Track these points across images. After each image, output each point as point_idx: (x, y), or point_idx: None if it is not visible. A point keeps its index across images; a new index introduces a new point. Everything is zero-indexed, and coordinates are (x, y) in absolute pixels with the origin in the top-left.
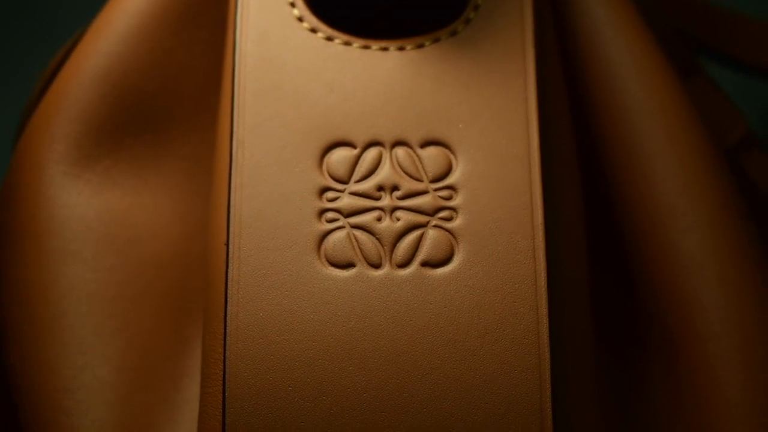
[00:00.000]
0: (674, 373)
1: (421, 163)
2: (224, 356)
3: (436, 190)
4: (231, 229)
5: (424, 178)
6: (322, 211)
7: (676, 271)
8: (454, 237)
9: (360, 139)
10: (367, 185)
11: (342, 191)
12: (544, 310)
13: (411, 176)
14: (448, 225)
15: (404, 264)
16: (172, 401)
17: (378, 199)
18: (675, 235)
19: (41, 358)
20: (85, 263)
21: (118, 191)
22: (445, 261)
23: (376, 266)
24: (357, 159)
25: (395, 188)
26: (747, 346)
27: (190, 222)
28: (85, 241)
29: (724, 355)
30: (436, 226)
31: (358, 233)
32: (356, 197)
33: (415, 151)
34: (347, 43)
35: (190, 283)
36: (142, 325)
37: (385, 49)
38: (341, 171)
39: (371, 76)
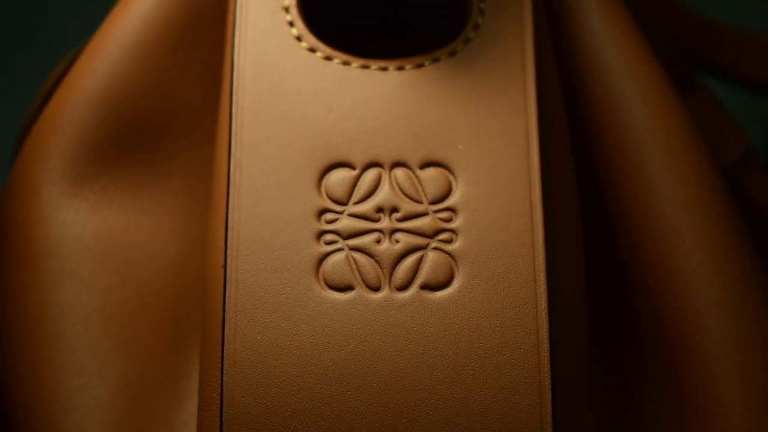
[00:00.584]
0: (676, 394)
1: (420, 184)
2: (221, 380)
3: (435, 211)
4: (228, 251)
5: (424, 199)
6: (321, 233)
7: (678, 292)
8: (454, 259)
9: (359, 159)
10: (366, 207)
11: (341, 213)
12: (544, 334)
13: (410, 198)
14: (448, 247)
15: (404, 287)
16: (170, 422)
17: (377, 220)
18: (677, 256)
19: (38, 378)
20: (82, 283)
21: (115, 210)
22: (445, 284)
23: (376, 289)
24: (356, 180)
25: (394, 210)
26: (749, 368)
27: (187, 241)
28: (81, 260)
29: (726, 377)
30: (435, 248)
31: (357, 255)
32: (355, 219)
33: (414, 173)
34: (346, 63)
35: (187, 303)
36: (140, 345)
37: (384, 69)
38: (340, 192)
39: (370, 96)
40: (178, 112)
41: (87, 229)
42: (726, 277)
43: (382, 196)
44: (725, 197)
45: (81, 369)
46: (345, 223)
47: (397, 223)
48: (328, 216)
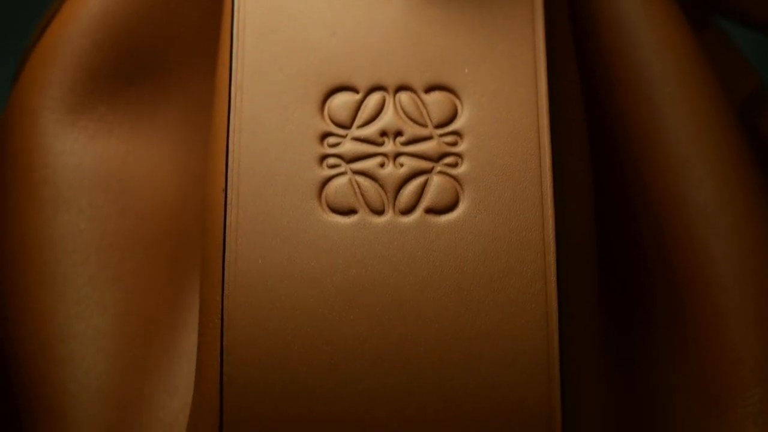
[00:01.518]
0: (682, 326)
1: (425, 108)
2: (222, 304)
3: (440, 135)
4: (229, 175)
5: (429, 123)
6: (323, 157)
7: (687, 222)
8: (460, 183)
9: (363, 83)
10: (369, 131)
11: (344, 137)
12: (551, 258)
13: (415, 122)
14: (454, 171)
15: (408, 211)
16: (170, 352)
17: (381, 144)
18: (686, 185)
19: (35, 307)
20: (80, 212)
21: (113, 140)
22: (450, 208)
23: (379, 213)
24: (359, 104)
25: (399, 134)
26: (759, 299)
27: (188, 174)
28: (80, 189)
29: (735, 308)
30: (440, 172)
31: (361, 179)
32: (358, 143)
33: (419, 96)
34: None
35: (187, 235)
36: (139, 275)
37: None
38: (343, 116)
39: (375, 19)
40: (179, 39)
41: (86, 158)
42: (736, 208)
43: (386, 119)
44: (736, 129)
45: (79, 298)
46: (348, 147)
47: (401, 146)
48: (331, 140)
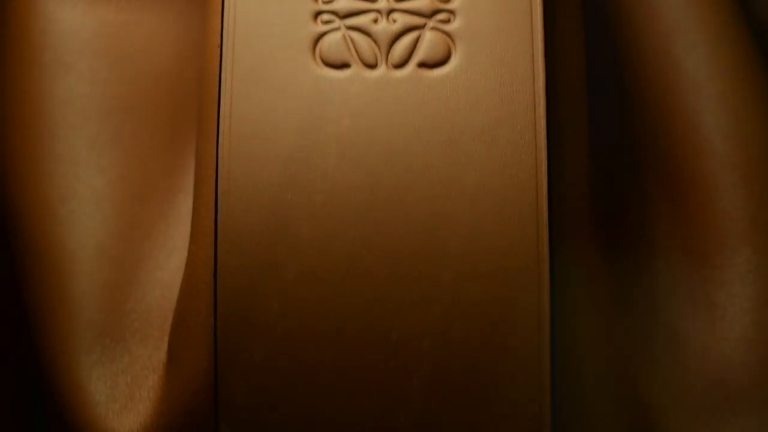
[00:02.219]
0: (674, 191)
1: None
2: (217, 156)
3: None
4: (225, 30)
5: None
6: (318, 13)
7: (678, 88)
8: (452, 39)
9: None
10: None
11: None
12: (541, 110)
13: None
14: (446, 27)
15: (400, 65)
16: (168, 215)
17: (374, 1)
18: (678, 51)
19: (35, 168)
20: (79, 76)
21: (113, 7)
22: (442, 62)
23: (372, 66)
24: None
25: None
26: (748, 163)
27: (186, 40)
28: (79, 53)
29: (725, 172)
30: (433, 28)
31: (354, 34)
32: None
33: None
34: None
35: (186, 101)
36: (137, 139)
37: None
38: None
39: None
40: None
41: (85, 24)
42: (726, 75)
43: None
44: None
45: (78, 159)
46: (342, 4)
47: (394, 3)
48: None
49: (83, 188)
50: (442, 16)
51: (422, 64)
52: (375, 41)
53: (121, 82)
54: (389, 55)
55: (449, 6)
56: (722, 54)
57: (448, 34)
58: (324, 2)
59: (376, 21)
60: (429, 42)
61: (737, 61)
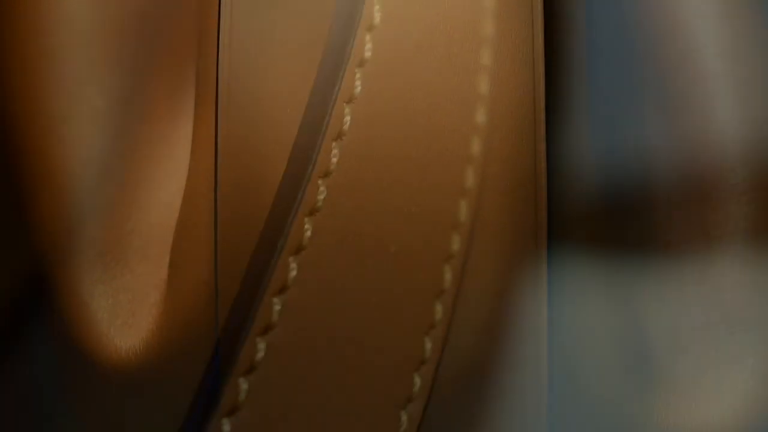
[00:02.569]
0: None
1: None
2: (217, 71)
3: None
4: None
5: None
6: None
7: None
8: None
9: None
10: None
11: None
12: (539, 26)
13: None
14: None
15: None
16: (169, 137)
17: None
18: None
19: (36, 86)
20: None
21: None
22: None
23: None
24: None
25: None
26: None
27: None
28: None
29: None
30: None
31: None
32: None
33: None
34: None
35: (185, 21)
36: (139, 62)
37: None
38: None
39: None
40: None
41: None
42: None
43: None
44: None
45: (80, 79)
46: None
47: None
48: None
49: (85, 108)
50: None
51: None
52: None
53: (123, 6)
54: None
55: None
56: None
57: None
58: None
59: None
60: None
61: None
